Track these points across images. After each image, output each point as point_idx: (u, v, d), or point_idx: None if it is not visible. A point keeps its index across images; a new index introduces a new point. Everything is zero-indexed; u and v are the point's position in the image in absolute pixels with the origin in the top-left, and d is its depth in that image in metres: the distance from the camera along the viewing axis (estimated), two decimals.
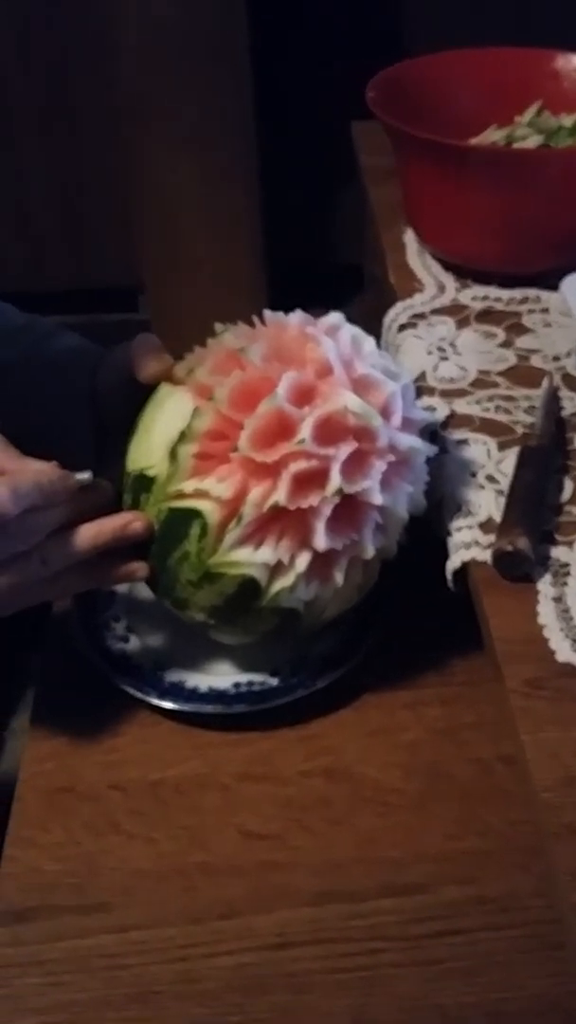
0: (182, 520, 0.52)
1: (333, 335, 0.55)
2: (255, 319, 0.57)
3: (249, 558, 0.51)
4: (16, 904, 0.53)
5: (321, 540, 0.51)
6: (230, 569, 0.52)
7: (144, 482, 0.54)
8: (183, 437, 0.52)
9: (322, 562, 0.53)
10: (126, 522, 0.53)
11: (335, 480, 0.51)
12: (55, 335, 0.69)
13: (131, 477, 0.55)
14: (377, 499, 0.52)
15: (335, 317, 0.56)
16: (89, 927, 0.52)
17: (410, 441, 0.54)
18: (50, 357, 0.66)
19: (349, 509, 0.52)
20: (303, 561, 0.52)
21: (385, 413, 0.53)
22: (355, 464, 0.52)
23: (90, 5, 1.66)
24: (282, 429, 0.51)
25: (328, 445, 0.51)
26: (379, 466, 0.52)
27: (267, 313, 0.57)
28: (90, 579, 0.55)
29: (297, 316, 0.56)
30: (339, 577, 0.54)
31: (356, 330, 0.56)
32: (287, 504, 0.50)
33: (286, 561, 0.52)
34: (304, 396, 0.52)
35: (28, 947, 0.51)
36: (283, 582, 0.52)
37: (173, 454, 0.52)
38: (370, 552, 0.54)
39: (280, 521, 0.52)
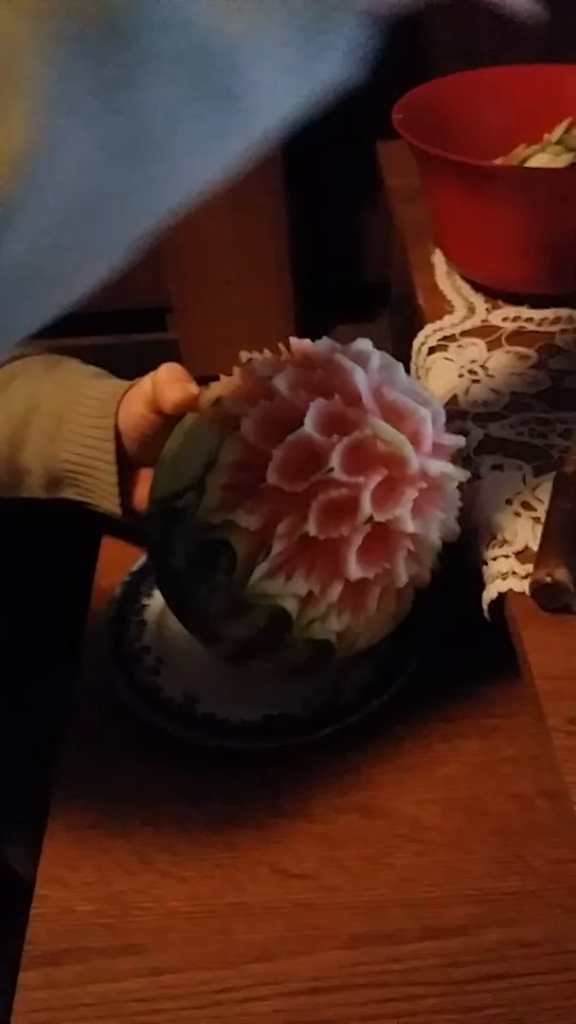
0: (212, 552, 0.52)
1: (362, 362, 0.54)
2: (281, 346, 0.56)
3: (280, 589, 0.51)
4: (48, 946, 0.52)
5: (352, 569, 0.50)
6: (260, 600, 0.51)
7: (173, 513, 0.53)
8: (211, 468, 0.51)
9: (354, 592, 0.52)
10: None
11: (365, 508, 0.50)
12: (79, 368, 0.69)
13: (158, 508, 0.54)
14: (409, 527, 0.51)
15: (363, 343, 0.55)
16: (121, 970, 0.51)
17: (441, 467, 0.53)
18: (75, 390, 0.65)
19: (380, 537, 0.51)
20: (334, 591, 0.51)
21: (415, 440, 0.52)
22: (386, 492, 0.51)
23: None
24: (310, 458, 0.50)
25: (358, 473, 0.50)
26: (410, 493, 0.51)
27: (293, 340, 0.56)
28: None
29: (325, 343, 0.55)
30: (372, 606, 0.53)
31: (385, 356, 0.55)
32: (317, 534, 0.49)
33: (317, 592, 0.51)
34: (332, 425, 0.51)
35: (60, 990, 0.51)
36: (314, 613, 0.51)
37: (202, 486, 0.51)
38: (403, 580, 0.53)
39: (310, 551, 0.51)
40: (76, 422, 0.63)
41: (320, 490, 0.50)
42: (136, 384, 0.64)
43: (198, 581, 0.53)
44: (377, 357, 0.55)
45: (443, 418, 0.55)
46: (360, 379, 0.52)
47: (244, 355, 0.56)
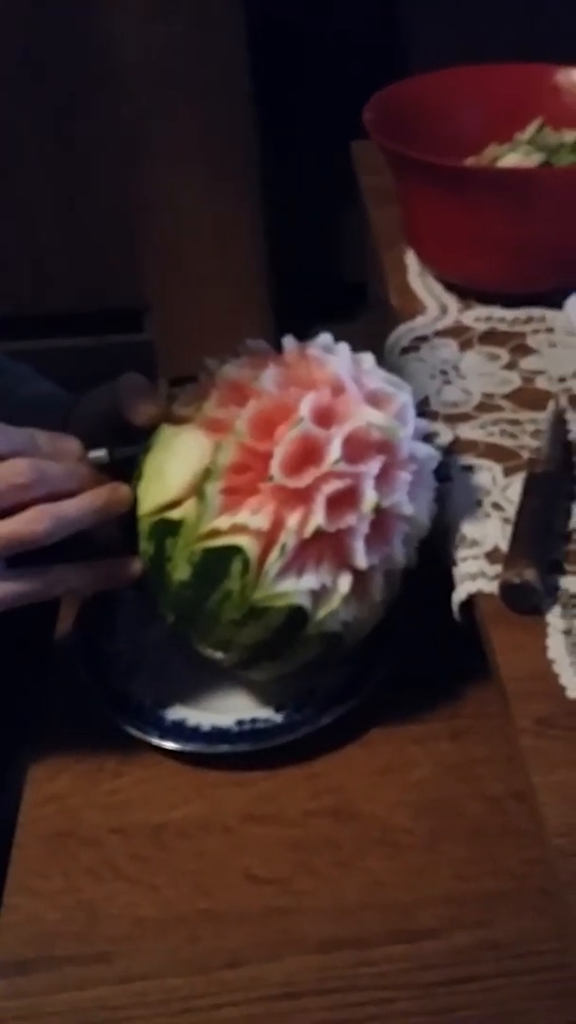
0: (221, 559, 0.51)
1: (332, 354, 0.54)
2: (240, 350, 0.56)
3: (295, 587, 0.50)
4: (16, 955, 0.51)
5: (361, 558, 0.51)
6: (276, 601, 0.51)
7: (169, 526, 0.52)
8: (208, 475, 0.51)
9: (360, 580, 0.52)
10: (112, 487, 0.52)
11: (371, 496, 0.50)
12: (26, 381, 0.67)
13: (148, 523, 0.53)
14: (408, 510, 0.52)
15: (325, 337, 0.56)
16: (90, 978, 0.51)
17: (426, 450, 0.55)
18: (22, 401, 0.64)
19: (380, 524, 0.52)
20: (345, 582, 0.51)
21: (400, 423, 0.53)
22: (384, 478, 0.52)
23: (93, 26, 1.66)
24: (309, 453, 0.50)
25: (357, 462, 0.51)
26: (404, 477, 0.52)
27: (250, 342, 0.56)
28: (86, 575, 0.53)
29: (290, 341, 0.55)
30: (376, 593, 0.53)
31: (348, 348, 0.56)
32: (326, 527, 0.49)
33: (329, 584, 0.51)
34: (326, 417, 0.51)
35: (28, 999, 0.50)
36: (328, 606, 0.52)
37: (200, 494, 0.51)
38: (401, 563, 0.54)
39: (317, 545, 0.51)
40: None
41: (322, 483, 0.50)
42: (89, 395, 0.62)
43: (208, 590, 0.52)
44: (346, 348, 0.55)
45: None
46: (342, 369, 0.52)
47: (209, 361, 0.56)
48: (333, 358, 0.53)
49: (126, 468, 0.55)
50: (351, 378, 0.52)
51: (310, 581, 0.51)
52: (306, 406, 0.50)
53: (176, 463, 0.53)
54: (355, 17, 1.77)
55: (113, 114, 1.72)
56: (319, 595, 0.52)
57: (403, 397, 0.54)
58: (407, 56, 1.78)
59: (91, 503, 0.51)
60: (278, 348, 0.56)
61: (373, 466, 0.51)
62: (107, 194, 1.83)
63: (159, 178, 1.70)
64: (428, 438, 0.61)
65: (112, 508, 0.52)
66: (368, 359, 0.55)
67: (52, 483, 0.50)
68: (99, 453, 0.54)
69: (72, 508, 0.50)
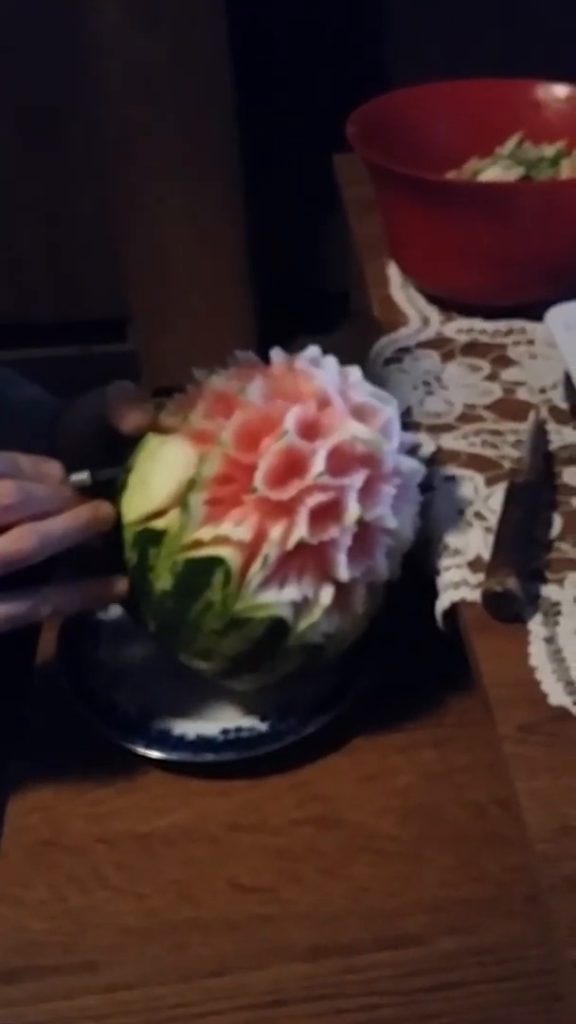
0: (203, 569, 0.51)
1: (318, 368, 0.54)
2: (229, 360, 0.57)
3: (276, 598, 0.51)
4: (2, 964, 0.51)
5: (343, 571, 0.51)
6: (257, 612, 0.51)
7: (152, 536, 0.53)
8: (193, 485, 0.51)
9: (342, 592, 0.53)
10: (95, 505, 0.52)
11: (353, 509, 0.51)
12: (15, 384, 0.67)
13: (132, 533, 0.53)
14: (391, 523, 0.53)
15: (313, 350, 0.56)
16: (75, 987, 0.50)
17: (411, 463, 0.55)
18: (6, 406, 0.64)
19: (363, 536, 0.52)
20: (327, 594, 0.52)
21: (385, 437, 0.53)
22: (367, 491, 0.52)
23: (77, 39, 1.66)
24: (293, 465, 0.51)
25: (340, 475, 0.51)
26: (388, 491, 0.53)
27: (239, 353, 0.57)
28: (73, 596, 0.53)
29: (277, 353, 0.56)
30: (358, 605, 0.54)
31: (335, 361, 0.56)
32: (309, 539, 0.50)
33: (311, 596, 0.52)
34: (311, 430, 0.51)
35: (13, 1008, 0.50)
36: (309, 618, 0.52)
37: (184, 504, 0.51)
38: (384, 576, 0.54)
39: (299, 557, 0.51)
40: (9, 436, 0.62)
41: (306, 495, 0.50)
42: (77, 402, 0.63)
43: (189, 600, 0.52)
44: (333, 362, 0.55)
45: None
46: (328, 383, 0.53)
47: (197, 372, 0.56)
48: (320, 371, 0.53)
49: (107, 491, 0.55)
50: (337, 392, 0.53)
51: (292, 593, 0.51)
52: (291, 419, 0.50)
53: (161, 473, 0.53)
54: (337, 30, 1.78)
55: (97, 125, 1.72)
56: (300, 607, 0.52)
57: (389, 411, 0.54)
58: (389, 69, 1.80)
59: (75, 520, 0.51)
60: (264, 359, 0.56)
61: (357, 479, 0.51)
62: (91, 204, 1.84)
63: (143, 189, 1.71)
64: (413, 452, 0.62)
65: (96, 525, 0.52)
66: (355, 373, 0.56)
67: (38, 505, 0.50)
68: (81, 476, 0.54)
69: (57, 526, 0.50)
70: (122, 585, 0.54)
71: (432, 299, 0.81)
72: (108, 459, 0.56)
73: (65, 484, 0.53)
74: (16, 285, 1.91)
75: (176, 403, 0.56)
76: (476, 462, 0.64)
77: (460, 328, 0.77)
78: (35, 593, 0.51)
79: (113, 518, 0.54)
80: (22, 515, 0.49)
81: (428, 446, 0.65)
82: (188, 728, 0.59)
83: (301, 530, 0.50)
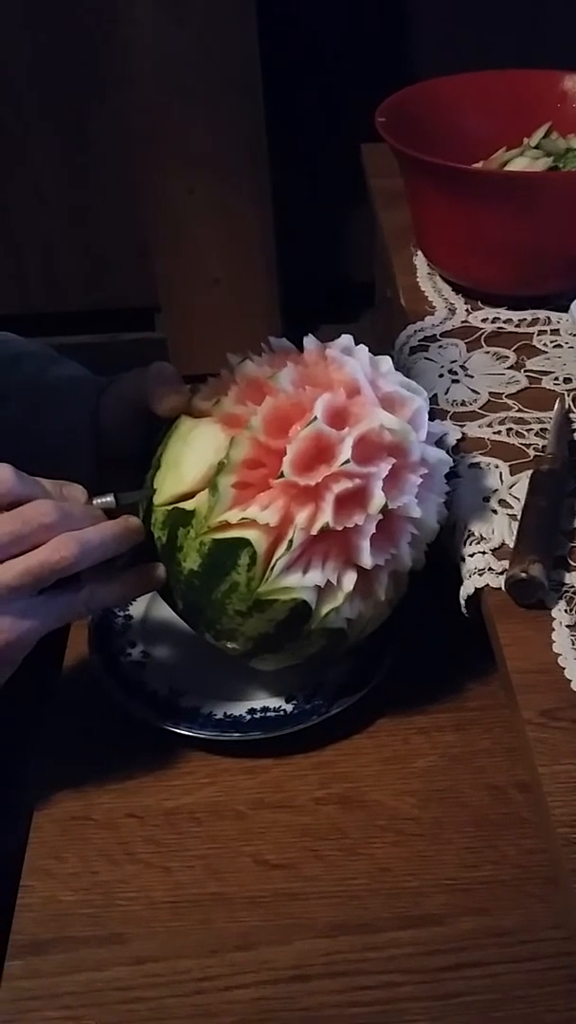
0: (229, 551, 0.52)
1: (351, 356, 0.55)
2: (263, 346, 0.57)
3: (299, 582, 0.52)
4: (33, 936, 0.53)
5: (366, 557, 0.52)
6: (281, 595, 0.52)
7: (182, 516, 0.54)
8: (222, 468, 0.52)
9: (365, 579, 0.53)
10: (125, 518, 0.54)
11: (379, 497, 0.51)
12: (57, 362, 0.68)
13: (163, 513, 0.55)
14: (416, 512, 0.53)
15: (346, 339, 0.57)
16: (105, 959, 0.52)
17: (438, 454, 0.55)
18: (51, 384, 0.65)
19: (387, 525, 0.53)
20: (349, 580, 0.53)
21: (414, 428, 0.54)
22: (393, 480, 0.53)
23: (107, 33, 1.68)
24: (321, 452, 0.51)
25: (367, 463, 0.52)
26: (414, 480, 0.53)
27: (273, 340, 0.57)
28: (115, 589, 0.55)
29: (311, 341, 0.56)
30: (381, 592, 0.54)
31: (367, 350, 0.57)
32: (334, 525, 0.51)
33: (334, 581, 0.52)
34: (339, 418, 0.52)
35: (44, 979, 0.51)
36: (332, 603, 0.53)
37: (213, 486, 0.52)
38: (408, 564, 0.55)
39: (324, 542, 0.52)
40: (54, 414, 0.63)
41: (332, 482, 0.51)
42: (119, 380, 0.64)
43: (215, 581, 0.53)
44: (365, 351, 0.56)
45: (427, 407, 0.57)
46: (358, 372, 0.53)
47: (232, 357, 0.57)
48: (351, 360, 0.54)
49: (132, 514, 0.56)
50: (367, 380, 0.53)
51: (315, 577, 0.52)
52: (320, 406, 0.51)
53: (192, 455, 0.54)
54: (365, 22, 1.78)
55: (127, 117, 1.73)
56: (323, 592, 0.53)
57: (418, 401, 0.54)
58: (416, 60, 1.79)
59: (111, 530, 0.52)
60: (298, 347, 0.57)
61: (383, 468, 0.52)
62: (120, 196, 1.85)
63: (172, 180, 1.72)
64: (440, 442, 0.62)
65: (129, 536, 0.54)
66: (386, 362, 0.56)
67: (74, 523, 0.51)
68: (107, 499, 0.55)
69: (95, 535, 0.51)
70: (160, 572, 0.55)
71: (458, 288, 0.81)
72: (147, 437, 0.57)
73: (90, 504, 0.54)
74: (47, 275, 1.93)
75: (209, 387, 0.57)
76: (501, 450, 0.64)
77: (485, 317, 0.78)
78: (79, 590, 0.53)
79: (143, 531, 0.55)
80: (60, 533, 0.51)
81: (453, 434, 0.66)
82: (216, 708, 0.61)
83: (326, 516, 0.51)
